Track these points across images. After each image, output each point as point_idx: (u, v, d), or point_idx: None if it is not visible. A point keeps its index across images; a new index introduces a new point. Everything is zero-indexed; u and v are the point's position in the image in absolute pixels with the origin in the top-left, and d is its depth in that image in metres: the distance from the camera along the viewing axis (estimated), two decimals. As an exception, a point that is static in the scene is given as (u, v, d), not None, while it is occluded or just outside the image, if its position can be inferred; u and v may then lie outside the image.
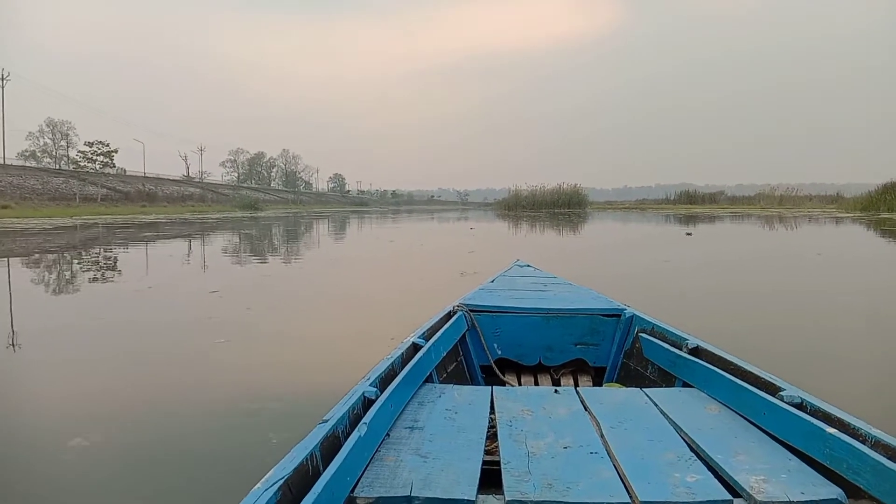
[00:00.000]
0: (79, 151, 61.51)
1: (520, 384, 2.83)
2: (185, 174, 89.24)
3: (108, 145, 59.02)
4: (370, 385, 1.84)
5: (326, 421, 1.55)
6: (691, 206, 58.03)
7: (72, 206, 41.69)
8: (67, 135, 69.19)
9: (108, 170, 59.22)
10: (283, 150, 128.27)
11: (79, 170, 57.09)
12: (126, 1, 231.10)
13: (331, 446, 1.48)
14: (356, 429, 1.55)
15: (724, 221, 28.46)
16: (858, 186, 54.21)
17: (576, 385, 2.83)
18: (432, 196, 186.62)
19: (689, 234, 17.77)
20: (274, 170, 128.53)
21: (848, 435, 1.50)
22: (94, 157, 58.50)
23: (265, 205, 69.47)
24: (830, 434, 1.52)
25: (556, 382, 2.90)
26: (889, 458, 1.38)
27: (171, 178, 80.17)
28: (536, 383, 2.89)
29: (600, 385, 2.83)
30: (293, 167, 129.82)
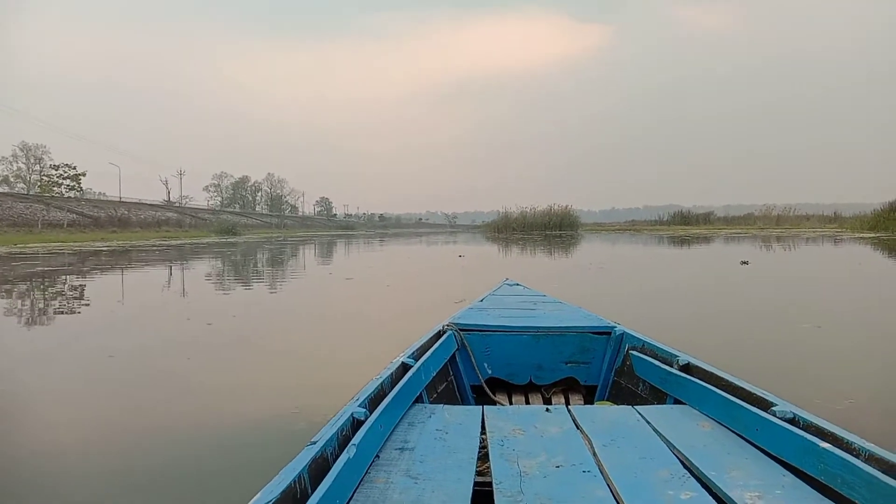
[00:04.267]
0: (44, 175, 59.07)
1: (511, 404, 2.79)
2: (166, 199, 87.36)
3: (74, 168, 56.64)
4: (359, 406, 1.83)
5: (315, 443, 1.53)
6: (687, 227, 56.49)
7: (33, 233, 39.29)
8: (41, 159, 66.55)
9: (73, 193, 56.70)
10: (269, 173, 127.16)
11: (43, 194, 54.51)
12: (108, 26, 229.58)
13: (319, 468, 1.46)
14: (345, 450, 1.53)
15: (745, 243, 26.38)
16: (848, 206, 53.37)
17: (567, 404, 2.80)
18: (420, 219, 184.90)
19: (745, 262, 13.46)
20: (259, 194, 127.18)
21: (841, 449, 1.49)
22: (60, 181, 56.01)
23: (245, 229, 67.32)
24: (824, 449, 1.51)
25: (547, 401, 2.86)
26: (883, 472, 1.37)
27: (148, 202, 78.07)
28: (527, 402, 2.85)
29: (592, 403, 2.80)
30: (279, 191, 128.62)
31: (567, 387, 2.97)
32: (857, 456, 1.47)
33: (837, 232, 35.65)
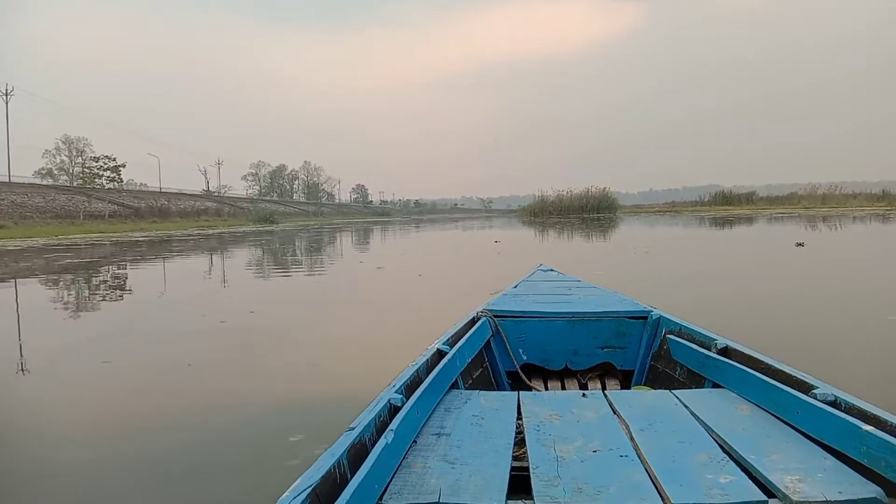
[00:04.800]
0: (84, 167, 60.15)
1: (546, 389, 2.77)
2: (205, 188, 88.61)
3: (114, 160, 57.53)
4: (396, 392, 1.81)
5: (353, 429, 1.53)
6: (728, 207, 54.86)
7: (76, 224, 40.08)
8: (83, 151, 67.76)
9: (113, 184, 57.65)
10: (305, 161, 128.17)
11: (85, 186, 55.55)
12: (144, 18, 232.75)
13: (358, 454, 1.46)
14: (383, 436, 1.53)
15: (793, 223, 25.50)
16: (894, 184, 51.23)
17: (603, 389, 2.73)
18: (455, 204, 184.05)
19: (800, 244, 12.62)
20: (296, 182, 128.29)
21: (885, 432, 1.46)
22: (101, 172, 56.97)
23: (282, 217, 67.87)
24: (867, 431, 1.48)
25: (583, 387, 2.84)
26: None
27: (188, 192, 79.28)
28: (563, 388, 2.83)
29: (628, 388, 2.76)
30: (315, 179, 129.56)
31: (603, 372, 2.95)
32: None
33: (888, 210, 34.26)
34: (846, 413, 1.60)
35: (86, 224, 41.09)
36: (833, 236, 17.05)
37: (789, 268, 9.48)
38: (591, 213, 53.04)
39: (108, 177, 57.29)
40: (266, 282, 9.89)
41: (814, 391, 1.74)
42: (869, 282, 7.85)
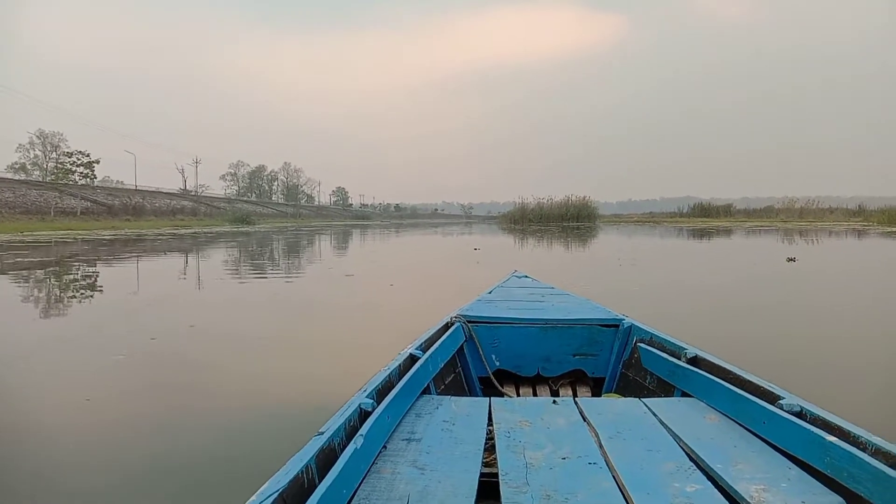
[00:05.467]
0: (57, 162, 58.75)
1: (518, 395, 2.79)
2: (182, 187, 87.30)
3: (88, 155, 56.24)
4: (367, 397, 1.81)
5: (322, 433, 1.52)
6: (707, 219, 55.22)
7: (45, 221, 38.97)
8: (58, 146, 65.94)
9: (86, 181, 56.35)
10: (285, 163, 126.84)
11: (57, 182, 54.23)
12: (126, 15, 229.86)
13: (326, 459, 1.45)
14: (352, 441, 1.52)
15: (775, 237, 25.39)
16: (868, 199, 51.90)
17: (574, 396, 2.78)
18: (436, 209, 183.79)
19: (791, 259, 12.19)
20: (275, 183, 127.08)
21: (848, 443, 1.48)
22: (74, 168, 55.66)
23: (260, 218, 66.95)
24: (830, 442, 1.50)
25: (555, 393, 2.85)
26: (890, 466, 1.37)
27: (164, 191, 77.95)
28: (535, 394, 2.84)
29: (599, 396, 2.80)
30: (295, 180, 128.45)
31: (575, 379, 2.96)
32: (863, 450, 1.45)
33: (865, 226, 34.50)
34: (811, 424, 1.62)
35: (56, 221, 39.98)
36: (821, 250, 16.80)
37: (785, 284, 9.08)
38: (571, 221, 52.99)
39: (82, 173, 55.94)
40: (215, 292, 8.69)
41: (780, 402, 1.76)
42: (870, 299, 7.51)
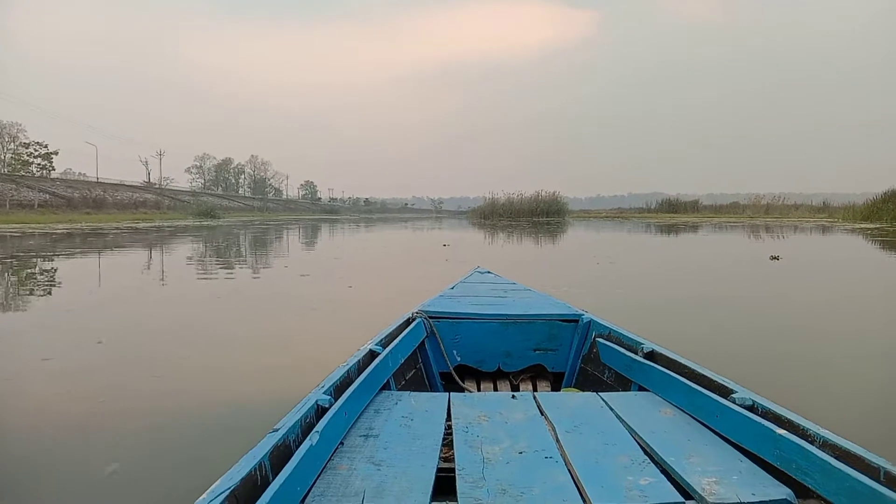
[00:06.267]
0: (14, 153, 56.78)
1: (479, 391, 2.80)
2: (146, 180, 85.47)
3: (46, 146, 54.46)
4: (324, 393, 1.79)
5: (277, 430, 1.51)
6: (675, 214, 55.64)
7: (0, 213, 37.60)
8: (16, 137, 63.79)
9: (44, 172, 54.56)
10: (252, 155, 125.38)
11: (14, 174, 52.40)
12: (93, 8, 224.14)
13: (281, 455, 1.44)
14: (308, 437, 1.51)
15: (746, 232, 25.34)
16: (831, 196, 52.74)
17: (534, 390, 2.81)
18: (406, 204, 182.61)
19: (775, 258, 11.58)
20: (242, 176, 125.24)
21: (797, 436, 1.52)
22: (31, 160, 53.85)
23: (225, 212, 65.66)
24: (780, 435, 1.54)
25: (515, 388, 2.87)
26: (837, 458, 1.39)
27: (128, 183, 76.18)
28: (496, 389, 2.85)
29: (559, 390, 2.81)
30: (262, 174, 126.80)
31: (535, 374, 2.97)
32: (812, 442, 1.48)
33: (831, 222, 34.82)
34: (762, 417, 1.66)
35: (13, 213, 38.68)
36: (801, 247, 16.49)
37: (778, 285, 8.52)
38: (542, 216, 52.77)
39: (39, 164, 54.14)
40: (149, 294, 7.43)
41: (732, 395, 1.80)
42: (866, 304, 7.13)
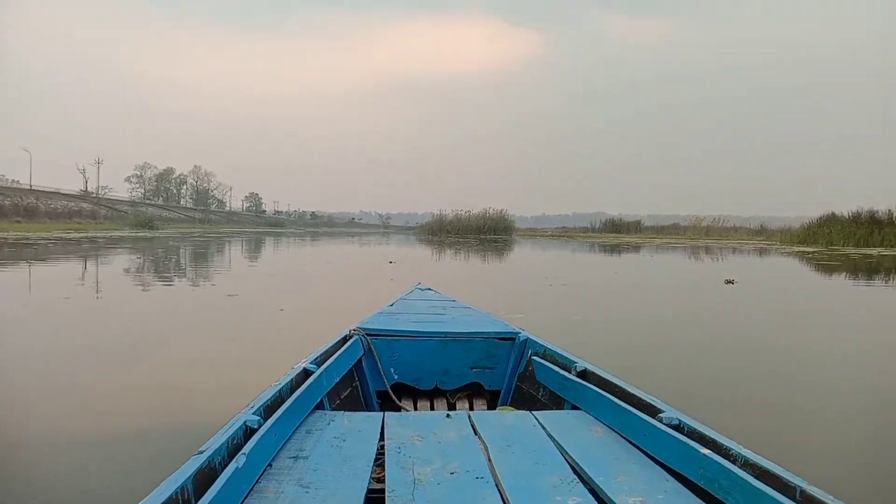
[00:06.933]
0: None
1: (416, 409, 2.79)
2: (83, 189, 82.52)
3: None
4: (253, 413, 1.73)
5: (202, 452, 1.45)
6: (618, 234, 56.53)
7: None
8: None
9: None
10: (195, 166, 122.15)
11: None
12: (35, 12, 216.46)
13: (205, 479, 1.39)
14: (234, 459, 1.47)
15: (688, 253, 25.62)
16: (767, 219, 54.58)
17: (471, 409, 2.82)
18: (353, 218, 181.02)
19: (730, 282, 11.48)
20: (184, 187, 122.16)
21: (720, 455, 1.54)
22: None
23: (165, 223, 63.85)
24: (704, 454, 1.55)
25: (452, 407, 2.86)
26: (756, 478, 1.42)
27: (63, 192, 73.33)
28: (432, 408, 2.84)
29: (495, 408, 2.82)
30: (205, 184, 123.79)
31: (472, 392, 2.95)
32: (734, 462, 1.50)
33: (769, 244, 35.78)
34: (688, 437, 1.67)
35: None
36: (751, 271, 16.56)
37: (737, 313, 8.32)
38: (489, 234, 53.17)
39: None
40: (52, 312, 6.76)
41: (660, 415, 1.80)
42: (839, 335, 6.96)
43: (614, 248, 30.34)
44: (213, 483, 1.34)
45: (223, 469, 1.43)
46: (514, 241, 41.27)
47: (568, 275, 14.11)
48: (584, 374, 2.35)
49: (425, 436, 1.91)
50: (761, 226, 53.49)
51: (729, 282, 11.54)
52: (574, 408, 2.28)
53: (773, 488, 1.37)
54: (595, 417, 2.09)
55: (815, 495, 1.32)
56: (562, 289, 10.53)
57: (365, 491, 1.52)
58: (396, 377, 2.89)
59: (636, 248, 31.37)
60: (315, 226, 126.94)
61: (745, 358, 5.30)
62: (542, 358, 2.69)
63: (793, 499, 1.34)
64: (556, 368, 2.51)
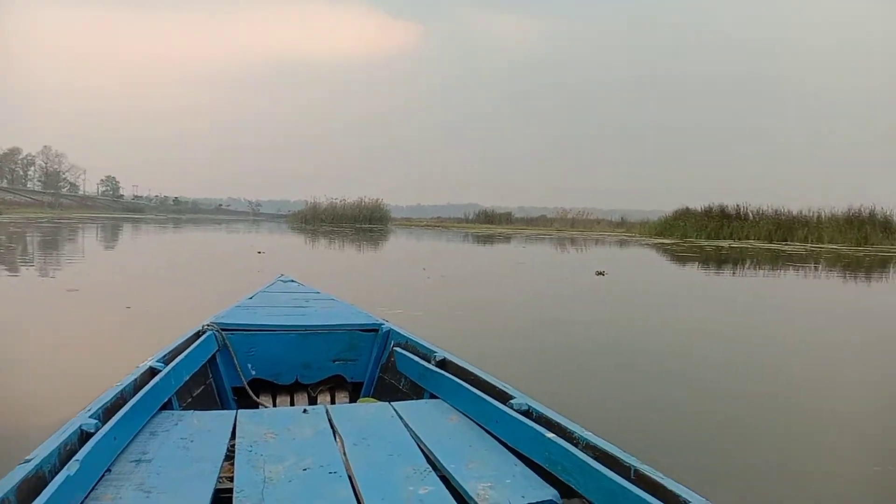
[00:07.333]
0: None
1: (275, 405, 2.73)
2: None
3: None
4: (90, 417, 1.64)
5: (29, 460, 1.36)
6: (491, 225, 57.72)
7: None
8: None
9: None
10: (45, 146, 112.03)
11: None
12: None
13: (32, 489, 1.29)
14: (66, 466, 1.37)
15: (557, 244, 26.36)
16: (624, 212, 57.98)
17: (332, 402, 2.80)
18: (220, 205, 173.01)
19: (600, 273, 11.64)
20: (31, 168, 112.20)
21: (564, 439, 1.60)
22: None
23: (7, 207, 58.42)
24: (549, 438, 1.61)
25: (313, 400, 2.83)
26: (595, 459, 1.48)
27: None
28: (293, 403, 2.79)
29: (356, 401, 2.80)
30: (56, 166, 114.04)
31: (334, 385, 2.93)
32: (575, 444, 1.57)
33: (629, 236, 37.68)
34: (535, 422, 1.74)
35: None
36: (617, 261, 17.15)
37: (624, 306, 8.57)
38: (364, 223, 52.59)
39: None
40: None
41: (511, 401, 1.88)
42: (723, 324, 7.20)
43: (488, 239, 30.89)
44: (40, 493, 1.24)
45: (53, 477, 1.33)
46: (389, 231, 41.03)
47: (444, 266, 13.96)
48: (443, 364, 2.39)
49: (279, 433, 1.87)
50: (622, 218, 56.19)
51: (599, 273, 11.81)
52: (433, 397, 2.31)
53: (610, 469, 1.44)
54: (452, 406, 2.11)
55: (647, 473, 1.40)
56: (440, 281, 10.35)
57: (212, 492, 1.48)
58: (254, 373, 2.81)
59: (507, 238, 32.06)
60: (178, 212, 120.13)
61: (611, 341, 5.67)
62: (403, 349, 2.70)
63: (627, 478, 1.41)
64: (417, 359, 2.53)
